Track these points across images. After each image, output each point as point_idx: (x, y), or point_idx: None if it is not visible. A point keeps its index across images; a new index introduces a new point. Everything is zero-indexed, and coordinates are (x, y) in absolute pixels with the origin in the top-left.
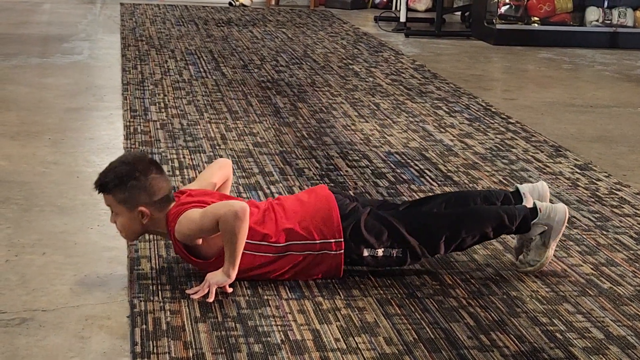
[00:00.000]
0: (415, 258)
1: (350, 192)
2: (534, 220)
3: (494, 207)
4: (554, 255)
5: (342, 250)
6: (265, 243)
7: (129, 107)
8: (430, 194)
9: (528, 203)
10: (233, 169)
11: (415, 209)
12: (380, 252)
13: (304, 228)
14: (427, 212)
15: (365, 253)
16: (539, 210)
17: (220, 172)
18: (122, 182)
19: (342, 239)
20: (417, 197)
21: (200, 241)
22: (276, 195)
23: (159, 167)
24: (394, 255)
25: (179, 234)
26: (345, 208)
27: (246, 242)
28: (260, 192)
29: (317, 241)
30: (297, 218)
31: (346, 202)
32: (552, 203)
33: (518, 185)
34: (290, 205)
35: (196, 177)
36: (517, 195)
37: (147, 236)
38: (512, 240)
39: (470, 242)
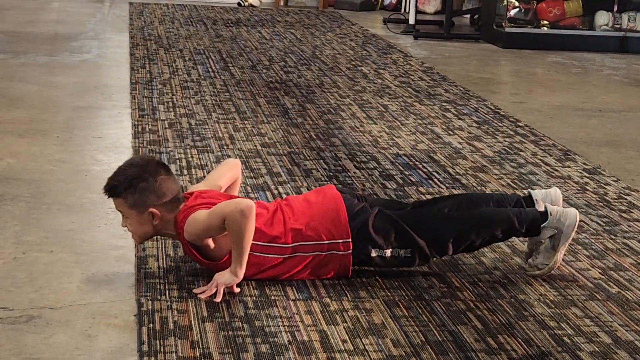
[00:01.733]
0: (423, 258)
1: (358, 192)
2: (544, 224)
3: (504, 209)
4: (562, 259)
5: (350, 251)
6: (274, 245)
7: (137, 106)
8: (439, 195)
9: (539, 208)
10: (242, 169)
11: (425, 209)
12: (388, 252)
13: (312, 229)
14: (436, 212)
15: (374, 253)
16: (549, 213)
17: (229, 173)
18: (132, 184)
19: (350, 240)
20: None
21: (209, 242)
22: (284, 196)
23: (168, 169)
24: (402, 255)
25: (188, 235)
26: (353, 208)
27: (255, 244)
28: (268, 193)
29: (325, 242)
30: (305, 219)
31: (354, 202)
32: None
33: (531, 191)
34: (299, 206)
35: (204, 176)
36: (530, 201)
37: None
38: (520, 243)
39: (479, 244)
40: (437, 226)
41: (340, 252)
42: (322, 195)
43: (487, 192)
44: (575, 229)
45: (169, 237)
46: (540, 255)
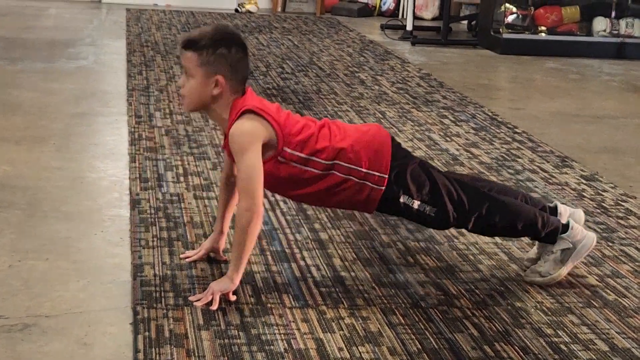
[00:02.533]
0: (443, 224)
1: None
2: (563, 235)
3: (532, 207)
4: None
5: (383, 187)
6: (315, 158)
7: (134, 113)
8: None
9: (562, 220)
10: None
11: (460, 179)
12: (416, 204)
13: (355, 152)
14: (471, 185)
15: (402, 199)
16: (570, 227)
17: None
18: (214, 45)
19: (387, 176)
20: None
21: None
22: (282, 203)
23: (247, 52)
24: (427, 212)
25: (234, 129)
26: (398, 150)
27: (297, 155)
28: (265, 200)
29: (363, 169)
30: (350, 141)
31: (400, 145)
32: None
33: (558, 203)
34: (346, 129)
35: (201, 184)
36: (554, 211)
37: (150, 242)
38: (517, 250)
39: (498, 230)
40: (468, 196)
41: (373, 185)
42: (372, 128)
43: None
44: (589, 253)
45: (216, 121)
46: (547, 263)
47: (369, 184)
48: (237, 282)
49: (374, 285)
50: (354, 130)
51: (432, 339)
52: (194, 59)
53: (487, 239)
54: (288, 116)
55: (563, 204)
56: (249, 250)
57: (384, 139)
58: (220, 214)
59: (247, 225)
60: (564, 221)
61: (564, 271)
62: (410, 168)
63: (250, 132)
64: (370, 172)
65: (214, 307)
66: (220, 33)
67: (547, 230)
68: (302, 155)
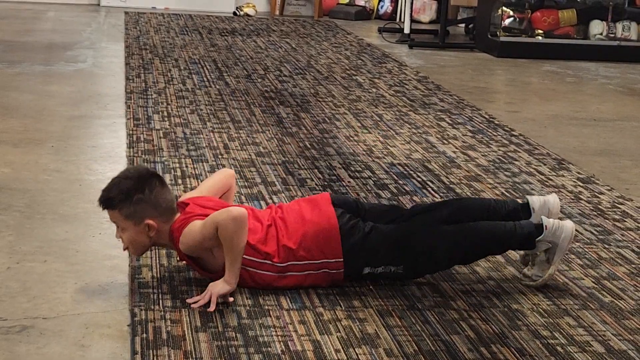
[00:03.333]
0: (416, 274)
1: (353, 196)
2: (539, 238)
3: (500, 225)
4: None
5: (342, 270)
6: (268, 262)
7: (132, 116)
8: (437, 202)
9: (535, 219)
10: (236, 179)
11: (421, 221)
12: (379, 269)
13: (305, 248)
14: (431, 228)
15: (365, 271)
16: (544, 227)
17: (222, 182)
18: (127, 196)
19: (342, 259)
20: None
21: (206, 254)
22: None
23: (162, 179)
24: (393, 271)
25: (183, 245)
26: (346, 226)
27: (249, 260)
28: (262, 202)
29: (318, 261)
30: (298, 237)
31: (346, 217)
32: (561, 219)
33: (528, 198)
34: (292, 222)
35: (198, 186)
36: (526, 209)
37: None
38: (514, 253)
39: (472, 259)
40: (431, 244)
41: (332, 271)
42: (317, 212)
43: (484, 198)
44: (571, 242)
45: (166, 247)
46: (535, 266)
47: (328, 270)
48: (234, 285)
49: (370, 287)
50: (300, 223)
51: (428, 341)
52: (117, 215)
53: None
54: None
55: (534, 193)
56: (242, 252)
57: (329, 223)
58: None
59: (234, 235)
60: (536, 221)
61: (552, 270)
62: (363, 241)
63: (196, 226)
64: (326, 260)
65: (212, 308)
66: (128, 181)
67: (521, 241)
68: (255, 259)
